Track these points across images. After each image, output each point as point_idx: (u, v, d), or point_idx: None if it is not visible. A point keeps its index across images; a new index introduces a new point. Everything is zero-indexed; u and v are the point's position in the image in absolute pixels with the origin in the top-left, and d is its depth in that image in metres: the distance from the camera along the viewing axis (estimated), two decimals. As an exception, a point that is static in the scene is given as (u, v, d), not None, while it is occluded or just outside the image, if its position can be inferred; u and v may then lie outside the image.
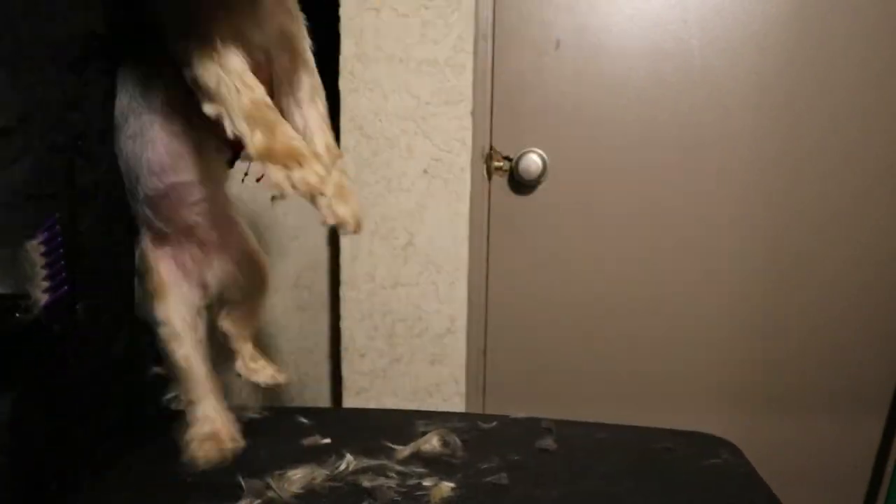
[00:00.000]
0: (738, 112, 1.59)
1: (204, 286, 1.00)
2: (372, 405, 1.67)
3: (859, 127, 1.58)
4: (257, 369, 1.10)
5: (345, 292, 1.63)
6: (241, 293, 1.05)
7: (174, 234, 0.96)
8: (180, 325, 0.94)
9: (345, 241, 1.60)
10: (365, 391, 1.66)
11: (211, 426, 0.94)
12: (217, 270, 1.01)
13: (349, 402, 1.67)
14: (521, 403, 1.74)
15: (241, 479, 0.88)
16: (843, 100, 1.57)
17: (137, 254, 0.97)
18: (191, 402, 0.95)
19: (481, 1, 1.57)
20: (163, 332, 0.94)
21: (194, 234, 0.98)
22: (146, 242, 0.96)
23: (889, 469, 1.71)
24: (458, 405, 1.66)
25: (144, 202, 0.93)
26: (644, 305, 1.70)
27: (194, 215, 0.95)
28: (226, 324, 1.08)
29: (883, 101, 1.56)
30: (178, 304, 0.95)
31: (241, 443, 0.95)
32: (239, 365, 1.09)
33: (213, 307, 1.06)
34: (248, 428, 1.05)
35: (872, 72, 1.55)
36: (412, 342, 1.64)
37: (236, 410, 1.04)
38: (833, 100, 1.57)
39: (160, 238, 0.97)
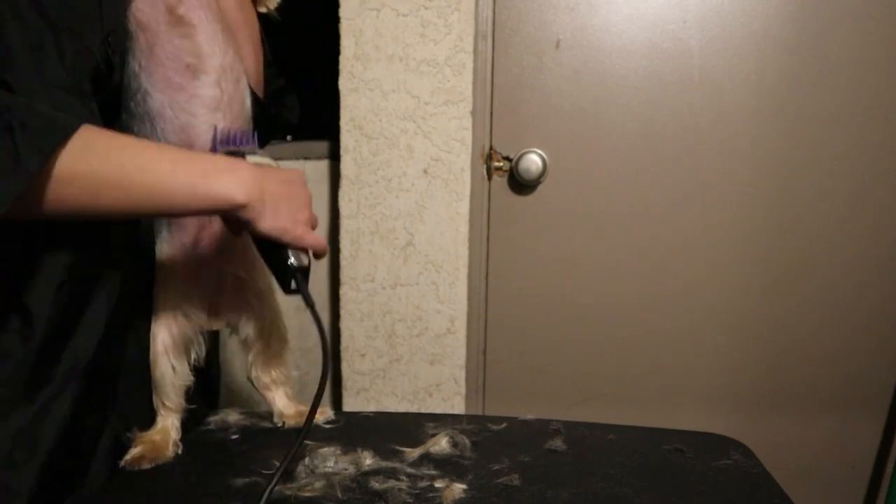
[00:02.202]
0: (737, 112, 1.60)
1: (214, 308, 1.02)
2: (372, 405, 1.67)
3: (858, 127, 1.59)
4: (292, 416, 1.09)
5: (345, 292, 1.63)
6: (257, 332, 1.05)
7: (193, 232, 0.97)
8: (161, 346, 0.97)
9: (345, 242, 1.60)
10: (365, 391, 1.66)
11: (160, 436, 0.97)
12: (233, 294, 1.02)
13: (349, 401, 1.66)
14: (520, 404, 1.75)
15: (249, 483, 0.87)
16: (842, 99, 1.58)
17: (156, 257, 0.98)
18: (158, 410, 0.99)
19: (481, 1, 1.57)
20: (151, 346, 0.97)
21: (214, 236, 0.98)
22: (164, 244, 0.97)
23: (889, 468, 1.72)
24: (457, 405, 1.66)
25: None
26: (643, 306, 1.71)
27: None
28: (253, 372, 1.09)
29: (882, 100, 1.58)
30: (171, 320, 0.97)
31: (171, 455, 0.97)
32: (276, 416, 1.09)
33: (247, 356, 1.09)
34: (258, 431, 1.05)
35: (871, 72, 1.57)
36: (412, 342, 1.64)
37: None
38: (832, 99, 1.58)
39: (179, 241, 0.97)
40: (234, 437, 1.04)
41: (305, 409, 1.10)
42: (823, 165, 1.62)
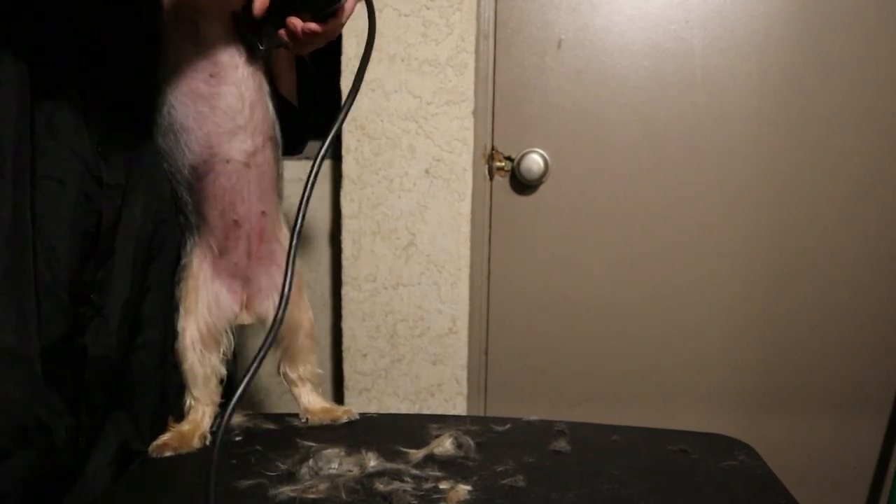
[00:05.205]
0: (739, 112, 1.60)
1: (245, 303, 1.04)
2: (374, 405, 1.66)
3: (860, 126, 1.59)
4: (317, 412, 1.10)
5: (346, 292, 1.63)
6: (285, 328, 1.06)
7: (220, 235, 0.99)
8: (188, 340, 0.99)
9: (347, 242, 1.60)
10: (367, 391, 1.66)
11: (190, 427, 1.00)
12: (262, 289, 1.04)
13: (351, 402, 1.66)
14: (522, 404, 1.75)
15: (253, 485, 0.87)
16: (843, 99, 1.58)
17: (183, 258, 1.00)
18: (190, 404, 1.02)
19: (483, 1, 1.57)
20: (177, 341, 0.99)
21: (240, 238, 1.00)
22: (192, 246, 0.99)
23: (892, 468, 1.72)
24: (459, 405, 1.66)
25: (186, 183, 0.95)
26: (645, 306, 1.71)
27: (237, 200, 0.97)
28: (281, 367, 1.11)
29: (884, 100, 1.58)
30: (200, 316, 0.99)
31: (198, 446, 0.99)
32: (301, 412, 1.11)
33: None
34: (262, 433, 1.05)
35: (873, 72, 1.56)
36: (414, 342, 1.64)
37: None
38: (834, 99, 1.58)
39: (207, 243, 0.99)
40: (237, 438, 1.04)
41: (330, 406, 1.11)
42: (825, 165, 1.62)
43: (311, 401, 1.11)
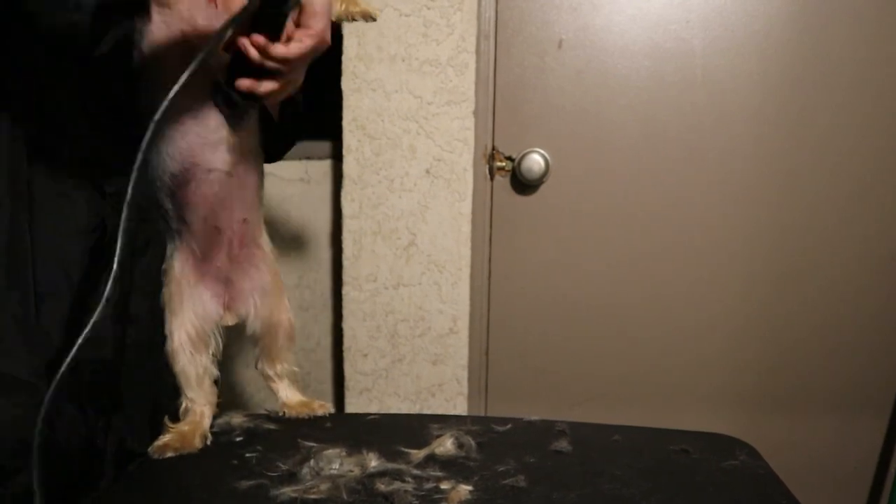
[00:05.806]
0: (739, 112, 1.60)
1: (228, 304, 1.05)
2: (374, 405, 1.67)
3: (860, 126, 1.59)
4: (294, 406, 1.12)
5: (347, 292, 1.63)
6: (264, 328, 1.08)
7: (202, 240, 0.99)
8: (178, 342, 0.99)
9: (347, 242, 1.60)
10: (367, 391, 1.66)
11: (189, 427, 1.00)
12: (244, 290, 1.05)
13: (352, 401, 1.66)
14: (522, 404, 1.75)
15: (254, 485, 0.87)
16: (843, 99, 1.58)
17: (165, 263, 1.00)
18: (186, 404, 1.02)
19: (483, 1, 1.56)
20: (167, 344, 1.00)
21: (222, 243, 0.99)
22: (174, 250, 0.99)
23: (892, 469, 1.72)
24: (460, 405, 1.66)
25: (168, 191, 0.95)
26: (646, 306, 1.71)
27: (219, 208, 0.97)
28: (259, 364, 1.12)
29: (884, 100, 1.57)
30: (186, 319, 1.00)
31: (199, 446, 1.00)
32: (279, 406, 1.13)
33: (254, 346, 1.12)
34: (263, 434, 1.05)
35: (873, 71, 1.56)
36: (414, 342, 1.64)
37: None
38: (834, 99, 1.58)
39: (189, 247, 0.99)
40: (237, 439, 1.04)
41: (307, 400, 1.13)
42: (825, 165, 1.62)
43: (289, 395, 1.13)
